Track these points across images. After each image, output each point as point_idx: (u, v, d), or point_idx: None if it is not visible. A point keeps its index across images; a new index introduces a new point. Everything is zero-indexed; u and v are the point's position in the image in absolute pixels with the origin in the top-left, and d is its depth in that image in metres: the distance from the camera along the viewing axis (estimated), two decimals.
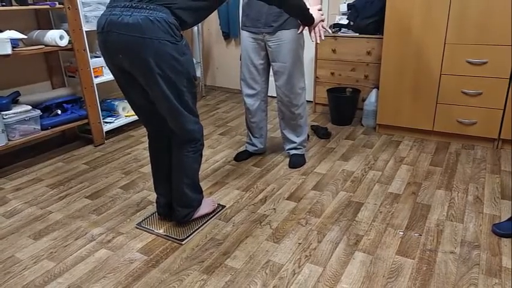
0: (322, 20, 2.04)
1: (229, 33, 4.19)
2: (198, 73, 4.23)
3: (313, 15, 1.98)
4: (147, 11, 1.48)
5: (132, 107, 1.79)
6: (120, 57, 1.55)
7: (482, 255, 1.69)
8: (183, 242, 1.83)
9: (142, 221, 2.00)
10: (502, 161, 2.56)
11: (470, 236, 1.82)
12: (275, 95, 2.49)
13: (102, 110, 3.05)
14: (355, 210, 2.06)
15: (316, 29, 2.03)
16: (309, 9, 1.93)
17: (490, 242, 1.78)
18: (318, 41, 2.05)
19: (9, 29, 2.44)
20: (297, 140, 2.58)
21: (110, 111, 3.27)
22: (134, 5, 1.49)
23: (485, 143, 2.79)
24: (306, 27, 2.06)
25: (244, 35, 2.37)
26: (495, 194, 2.16)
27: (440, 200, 2.13)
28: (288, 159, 2.63)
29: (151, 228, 1.94)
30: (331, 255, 1.72)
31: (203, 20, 1.74)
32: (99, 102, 2.97)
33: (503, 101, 2.60)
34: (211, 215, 2.02)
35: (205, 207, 1.99)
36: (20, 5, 2.48)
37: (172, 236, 1.86)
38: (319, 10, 2.04)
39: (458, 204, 2.09)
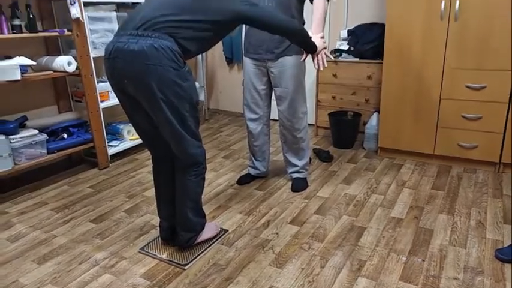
0: (325, 48, 2.10)
1: (232, 59, 4.28)
2: (202, 97, 4.30)
3: (316, 43, 2.03)
4: (152, 39, 1.54)
5: (136, 131, 1.84)
6: (126, 82, 1.61)
7: (486, 281, 1.69)
8: (186, 267, 1.83)
9: (146, 245, 2.01)
10: (504, 185, 2.57)
11: (473, 262, 1.82)
12: (277, 118, 2.53)
13: (107, 134, 3.10)
14: (358, 235, 2.06)
15: (319, 56, 2.08)
16: (311, 37, 1.99)
17: (493, 267, 1.77)
18: (321, 68, 2.10)
19: (19, 55, 2.51)
20: (299, 163, 2.60)
21: (115, 135, 3.32)
22: (140, 33, 1.55)
23: (487, 166, 2.80)
24: (309, 55, 2.11)
25: (247, 61, 2.43)
26: (497, 219, 2.17)
27: (443, 224, 2.13)
28: (290, 183, 2.65)
29: (154, 252, 1.94)
30: (334, 281, 1.72)
31: (207, 50, 1.80)
32: (104, 126, 3.02)
33: (503, 125, 2.63)
34: (214, 240, 2.03)
35: (208, 232, 2.00)
36: (30, 33, 2.57)
37: (175, 261, 1.87)
38: (322, 38, 2.09)
39: (460, 228, 2.09)
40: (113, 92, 3.10)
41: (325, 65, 2.10)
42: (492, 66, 2.56)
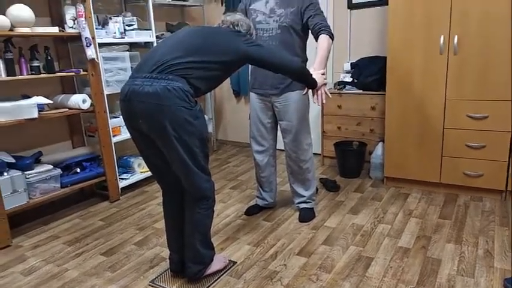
0: (325, 84, 2.19)
1: (239, 91, 4.41)
2: (210, 128, 4.41)
3: (316, 79, 2.12)
4: (166, 81, 1.65)
5: (147, 166, 1.91)
6: (140, 122, 1.70)
7: None
8: None
9: (156, 278, 2.04)
10: (511, 213, 2.57)
11: None
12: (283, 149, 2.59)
13: (118, 167, 3.19)
14: (366, 265, 2.07)
15: (319, 92, 2.16)
16: (311, 74, 2.09)
17: None
18: (319, 104, 2.18)
19: (37, 95, 2.65)
20: (306, 193, 2.64)
21: (126, 168, 3.40)
22: (154, 76, 1.66)
23: (493, 194, 2.81)
24: (310, 90, 2.20)
25: (253, 96, 2.53)
26: (505, 248, 2.16)
27: (451, 254, 2.14)
28: (297, 213, 2.68)
29: (164, 285, 1.97)
30: None
31: (216, 87, 1.90)
32: (116, 160, 3.11)
33: (507, 153, 2.66)
34: (223, 272, 2.06)
35: (216, 264, 2.03)
36: (48, 73, 2.71)
37: None
38: (322, 74, 2.19)
39: (468, 258, 2.09)
40: (124, 127, 3.23)
41: (324, 101, 2.18)
42: (493, 97, 2.63)
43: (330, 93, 3.48)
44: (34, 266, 2.23)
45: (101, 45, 3.01)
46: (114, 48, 3.14)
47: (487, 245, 2.20)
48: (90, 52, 2.76)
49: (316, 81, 2.10)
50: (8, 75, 2.48)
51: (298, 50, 2.34)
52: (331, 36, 2.26)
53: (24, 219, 2.83)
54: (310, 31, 2.33)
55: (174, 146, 1.69)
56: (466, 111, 2.73)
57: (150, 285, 2.00)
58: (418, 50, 2.78)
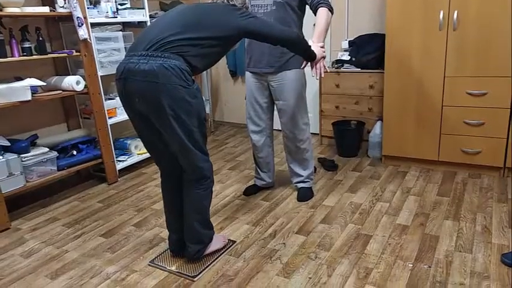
0: (324, 57, 2.14)
1: (236, 72, 4.36)
2: (207, 109, 4.37)
3: (315, 52, 2.07)
4: (162, 59, 1.61)
5: (145, 146, 1.89)
6: (137, 101, 1.67)
7: (492, 286, 1.70)
8: (195, 279, 1.87)
9: (155, 258, 2.05)
10: (509, 189, 2.58)
11: (479, 267, 1.83)
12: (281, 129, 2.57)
13: (115, 149, 3.17)
14: (364, 243, 2.08)
15: (318, 65, 2.11)
16: (310, 46, 2.04)
17: (499, 272, 1.78)
18: (317, 78, 2.15)
19: (30, 77, 2.60)
20: (304, 173, 2.64)
21: (123, 150, 3.38)
22: (150, 54, 1.62)
23: (492, 171, 2.81)
24: (309, 63, 2.15)
25: (248, 75, 2.49)
26: (503, 223, 2.18)
27: (449, 230, 2.15)
28: (296, 193, 2.68)
29: (164, 265, 1.98)
30: None
31: (214, 64, 1.85)
32: (112, 142, 3.09)
33: (506, 130, 2.65)
34: (222, 251, 2.06)
35: (216, 243, 2.04)
36: (40, 55, 2.66)
37: (185, 273, 1.90)
38: (322, 47, 2.14)
39: (466, 234, 2.10)
40: (120, 109, 3.19)
41: (323, 75, 2.13)
42: (492, 73, 2.60)
43: (328, 71, 3.45)
44: (33, 248, 2.23)
45: (93, 25, 2.94)
46: (107, 28, 3.07)
47: (485, 221, 2.21)
48: (82, 32, 2.70)
49: (315, 54, 2.06)
50: None
51: (294, 27, 2.28)
52: (331, 10, 2.19)
53: (22, 202, 2.82)
54: (308, 6, 2.27)
55: (172, 125, 1.66)
56: (465, 88, 2.70)
57: (149, 265, 2.00)
58: (417, 26, 2.73)
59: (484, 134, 2.72)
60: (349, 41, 3.48)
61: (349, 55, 3.44)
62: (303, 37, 2.31)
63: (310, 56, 2.06)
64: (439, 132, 2.86)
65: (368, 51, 3.28)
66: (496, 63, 2.57)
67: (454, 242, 2.03)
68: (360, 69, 3.34)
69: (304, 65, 2.18)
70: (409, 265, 1.88)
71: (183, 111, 1.66)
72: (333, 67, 3.48)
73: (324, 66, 2.14)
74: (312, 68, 2.13)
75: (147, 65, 1.60)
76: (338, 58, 3.52)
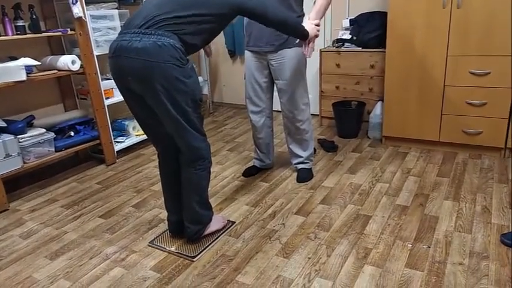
0: (317, 36, 2.09)
1: (234, 51, 4.28)
2: (205, 90, 4.32)
3: (308, 30, 2.02)
4: (156, 36, 1.56)
5: (141, 127, 1.86)
6: (129, 79, 1.63)
7: (491, 266, 1.70)
8: (194, 259, 1.87)
9: (155, 238, 2.05)
10: (509, 170, 2.56)
11: (478, 247, 1.83)
12: (281, 110, 2.54)
13: (113, 130, 3.14)
14: (364, 223, 2.08)
15: (310, 44, 2.08)
16: (304, 28, 1.99)
17: (498, 252, 1.78)
18: (308, 56, 2.11)
19: (24, 56, 2.55)
20: (304, 154, 2.62)
21: (121, 131, 3.35)
22: (143, 32, 1.57)
23: (492, 152, 2.80)
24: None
25: (248, 54, 2.44)
26: (503, 204, 2.17)
27: (448, 211, 2.15)
28: (295, 174, 2.67)
29: (163, 245, 1.98)
30: (341, 269, 1.75)
31: (209, 42, 1.81)
32: (110, 123, 3.05)
33: (508, 110, 2.62)
34: (222, 232, 2.06)
35: (215, 224, 2.03)
36: (34, 33, 2.59)
37: (184, 253, 1.90)
38: (317, 25, 2.09)
39: (466, 214, 2.10)
40: (117, 89, 3.14)
41: (310, 56, 2.11)
42: (496, 52, 2.55)
43: (328, 51, 3.40)
44: (32, 229, 2.23)
45: (88, 2, 2.86)
46: (102, 5, 2.99)
47: (485, 202, 2.20)
48: (77, 10, 2.63)
49: (307, 33, 2.01)
50: None
51: (294, 4, 2.22)
52: None
53: (20, 184, 2.81)
54: None
55: (165, 104, 1.63)
56: (468, 68, 2.65)
57: (149, 245, 2.01)
58: (420, 3, 2.66)
59: (486, 115, 2.69)
60: (350, 20, 3.41)
61: (350, 34, 3.37)
62: (302, 18, 2.25)
63: (302, 36, 2.02)
64: (441, 113, 2.83)
65: (369, 29, 3.21)
66: (500, 42, 2.52)
67: (453, 223, 2.03)
68: (361, 48, 3.28)
69: (298, 41, 2.12)
70: (409, 245, 1.88)
71: (177, 91, 1.62)
72: (333, 46, 3.42)
73: (312, 47, 2.10)
74: (304, 46, 2.09)
75: (140, 43, 1.56)
76: (339, 37, 3.45)
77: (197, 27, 1.64)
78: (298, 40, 2.12)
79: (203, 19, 1.65)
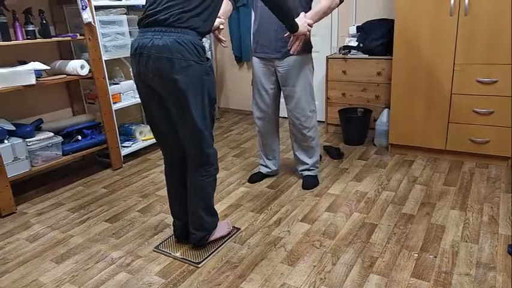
0: (305, 34, 2.09)
1: (241, 57, 4.30)
2: None
3: (299, 25, 2.02)
4: (176, 34, 1.60)
5: (151, 127, 1.87)
6: (150, 76, 1.65)
7: (498, 277, 1.69)
8: (199, 265, 1.87)
9: (160, 244, 2.05)
10: None
11: (485, 258, 1.81)
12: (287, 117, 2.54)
13: (119, 135, 3.16)
14: (369, 232, 2.07)
15: (297, 42, 2.09)
16: (294, 17, 1.99)
17: (505, 263, 1.77)
18: (292, 52, 2.12)
19: (34, 60, 2.58)
20: (310, 161, 2.62)
21: (128, 136, 3.38)
22: (164, 30, 1.61)
23: (499, 161, 2.78)
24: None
25: (255, 60, 2.45)
26: (510, 214, 2.15)
27: (455, 220, 2.13)
28: (301, 181, 2.67)
29: (168, 251, 1.99)
30: (346, 277, 1.74)
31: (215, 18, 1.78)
32: (117, 127, 3.07)
33: None
34: (227, 238, 2.06)
35: (220, 230, 2.04)
36: (44, 38, 2.63)
37: (189, 259, 1.91)
38: (309, 25, 2.10)
39: (473, 224, 2.08)
40: (125, 94, 3.17)
41: (295, 53, 2.12)
42: (504, 61, 2.54)
43: (335, 58, 3.40)
44: (39, 232, 2.25)
45: (98, 8, 2.89)
46: (111, 11, 3.02)
47: (492, 212, 2.19)
48: (86, 15, 2.66)
49: (297, 27, 2.02)
50: (3, 41, 2.40)
51: (303, 1, 2.23)
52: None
53: (28, 187, 2.83)
54: None
55: (183, 100, 1.65)
56: (475, 76, 2.65)
57: (154, 250, 2.01)
58: (427, 11, 2.66)
59: (493, 123, 2.68)
60: (357, 27, 3.41)
61: (356, 41, 3.38)
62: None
63: (291, 27, 2.02)
64: (447, 121, 2.82)
65: (376, 37, 3.22)
66: (508, 50, 2.51)
67: (460, 232, 2.02)
68: (367, 55, 3.28)
69: (287, 34, 2.10)
70: (415, 255, 1.87)
71: (196, 88, 1.65)
72: (340, 53, 3.42)
73: (299, 45, 2.10)
74: (290, 41, 2.10)
75: (160, 40, 1.59)
76: (345, 44, 3.46)
77: (205, 13, 1.65)
78: (287, 33, 2.10)
79: (206, 3, 1.64)
